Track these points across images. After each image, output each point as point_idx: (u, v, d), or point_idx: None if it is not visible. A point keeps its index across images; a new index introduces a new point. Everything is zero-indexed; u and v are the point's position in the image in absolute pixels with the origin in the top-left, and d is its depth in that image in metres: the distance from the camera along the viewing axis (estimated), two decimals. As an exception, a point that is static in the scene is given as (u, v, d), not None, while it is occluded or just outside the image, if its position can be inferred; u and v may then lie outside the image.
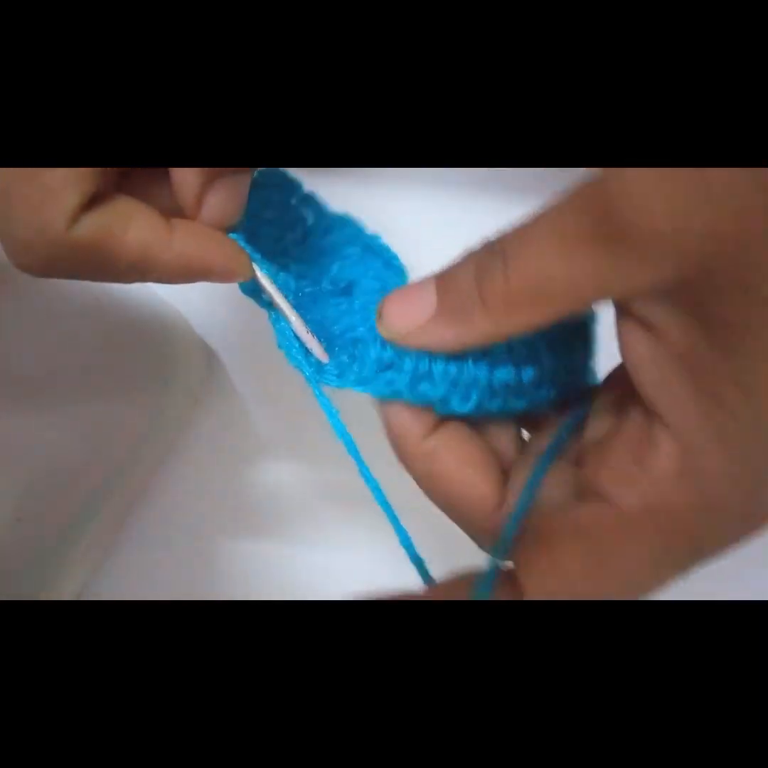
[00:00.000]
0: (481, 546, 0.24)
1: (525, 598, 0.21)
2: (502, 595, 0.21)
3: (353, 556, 0.46)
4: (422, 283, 0.23)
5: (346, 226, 0.29)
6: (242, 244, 0.24)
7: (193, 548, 0.47)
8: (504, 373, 0.23)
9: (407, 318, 0.22)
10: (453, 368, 0.23)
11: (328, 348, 0.25)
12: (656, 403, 0.20)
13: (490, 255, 0.21)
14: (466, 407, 0.23)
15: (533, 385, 0.24)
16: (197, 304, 0.45)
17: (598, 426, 0.23)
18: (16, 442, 0.27)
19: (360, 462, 0.24)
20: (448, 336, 0.22)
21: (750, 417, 0.19)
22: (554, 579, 0.21)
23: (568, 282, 0.19)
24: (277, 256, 0.27)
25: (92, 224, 0.21)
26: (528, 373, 0.24)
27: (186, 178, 0.22)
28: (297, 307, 0.25)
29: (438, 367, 0.23)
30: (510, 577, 0.22)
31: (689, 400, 0.19)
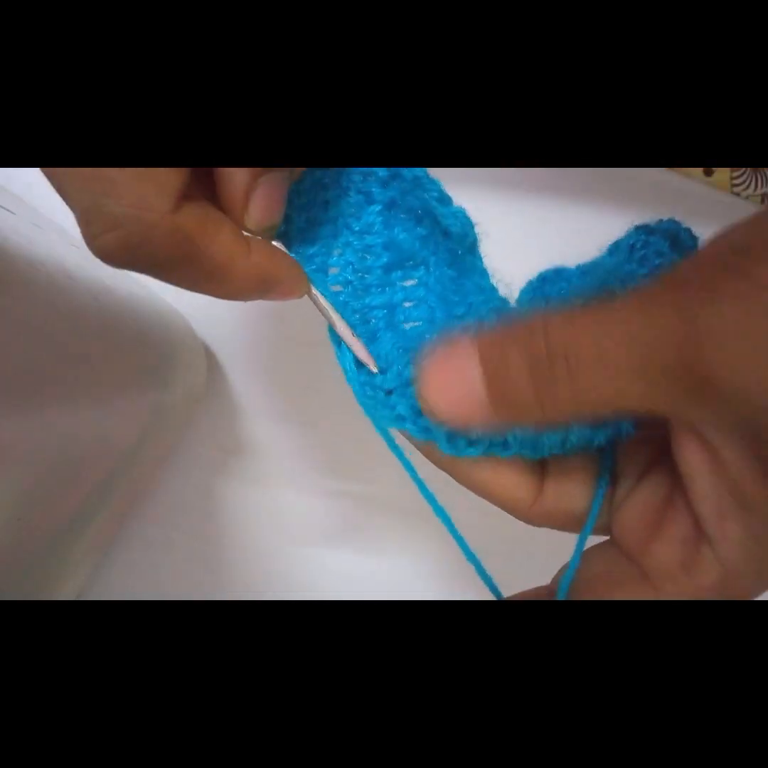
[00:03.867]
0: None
1: None
2: None
3: (354, 556, 0.46)
4: (461, 353, 0.21)
5: (418, 187, 0.26)
6: (294, 257, 0.24)
7: (193, 548, 0.47)
8: (553, 438, 0.23)
9: (451, 401, 0.21)
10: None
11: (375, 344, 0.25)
12: (707, 526, 0.21)
13: (550, 358, 0.20)
14: (507, 453, 0.23)
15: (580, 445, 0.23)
16: (197, 305, 0.45)
17: (627, 486, 0.24)
18: (15, 442, 0.27)
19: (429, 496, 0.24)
20: (497, 424, 0.21)
21: None
22: None
23: (641, 402, 0.19)
24: (338, 236, 0.26)
25: (194, 213, 0.21)
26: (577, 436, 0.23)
27: (234, 178, 0.22)
28: (354, 293, 0.25)
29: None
30: None
31: (739, 538, 0.21)
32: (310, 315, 0.26)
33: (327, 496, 0.47)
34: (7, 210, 0.29)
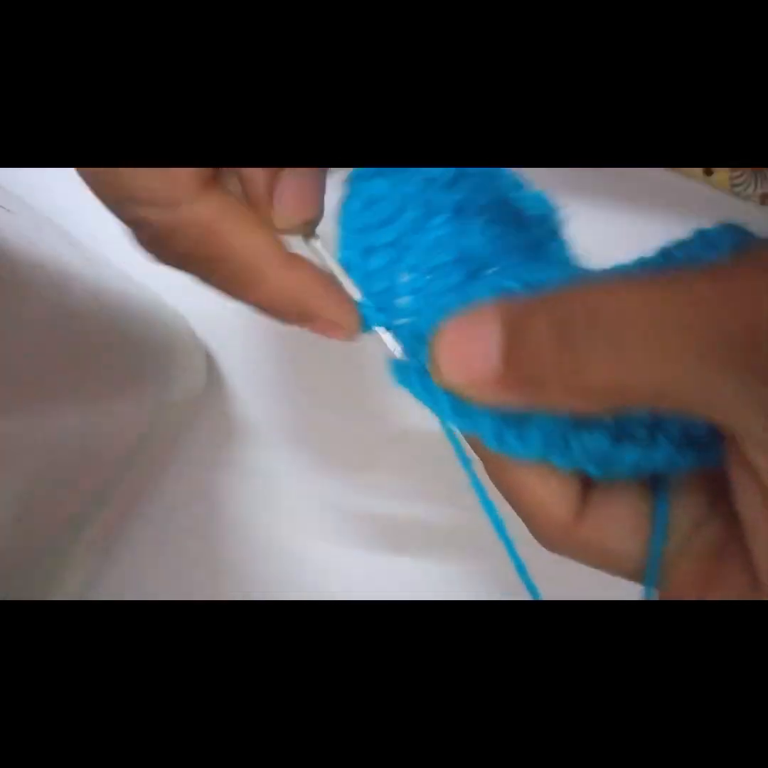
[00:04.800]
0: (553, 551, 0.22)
1: None
2: None
3: (356, 556, 0.46)
4: (482, 318, 0.19)
5: (487, 179, 0.22)
6: (366, 304, 0.21)
7: (193, 548, 0.47)
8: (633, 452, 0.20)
9: (465, 370, 0.19)
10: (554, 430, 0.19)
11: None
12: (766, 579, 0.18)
13: (587, 323, 0.17)
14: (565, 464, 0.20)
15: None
16: (197, 304, 0.45)
17: (679, 537, 0.21)
18: (15, 442, 0.27)
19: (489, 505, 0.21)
20: (512, 400, 0.19)
21: None
22: None
23: (699, 390, 0.16)
24: (402, 260, 0.23)
25: (213, 203, 0.20)
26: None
27: (254, 175, 0.21)
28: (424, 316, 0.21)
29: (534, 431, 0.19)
30: None
31: None
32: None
33: (327, 497, 0.47)
34: (8, 210, 0.29)
